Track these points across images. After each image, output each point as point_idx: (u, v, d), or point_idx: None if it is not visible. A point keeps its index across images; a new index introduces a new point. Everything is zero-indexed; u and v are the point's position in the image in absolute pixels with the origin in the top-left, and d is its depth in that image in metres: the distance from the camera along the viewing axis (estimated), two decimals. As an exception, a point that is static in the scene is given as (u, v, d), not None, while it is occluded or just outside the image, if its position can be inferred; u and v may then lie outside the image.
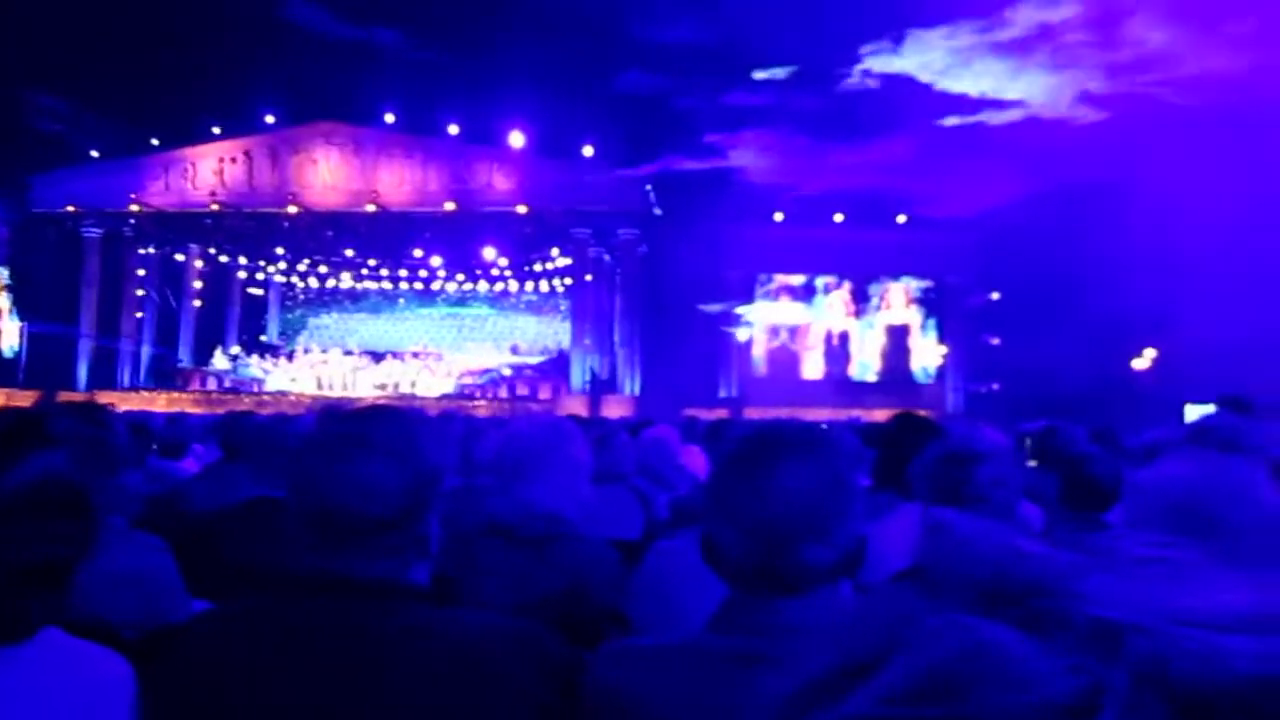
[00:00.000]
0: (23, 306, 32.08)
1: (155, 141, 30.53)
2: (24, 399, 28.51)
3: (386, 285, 34.77)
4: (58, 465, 1.55)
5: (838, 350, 32.25)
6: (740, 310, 30.85)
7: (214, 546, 3.15)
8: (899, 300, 32.20)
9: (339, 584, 1.63)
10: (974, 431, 4.55)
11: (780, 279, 32.30)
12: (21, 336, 32.34)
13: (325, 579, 1.64)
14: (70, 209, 30.47)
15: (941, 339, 31.73)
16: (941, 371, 31.59)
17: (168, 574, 2.64)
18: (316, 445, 1.69)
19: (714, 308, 29.33)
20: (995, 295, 29.70)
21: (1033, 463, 4.33)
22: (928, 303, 32.13)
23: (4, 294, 34.09)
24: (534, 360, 31.49)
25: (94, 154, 30.66)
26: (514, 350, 32.48)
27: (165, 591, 2.60)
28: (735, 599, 1.59)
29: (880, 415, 25.39)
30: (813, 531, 1.51)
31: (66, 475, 1.56)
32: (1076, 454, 3.61)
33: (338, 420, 1.72)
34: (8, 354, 33.57)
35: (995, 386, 29.30)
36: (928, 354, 32.02)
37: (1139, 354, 27.49)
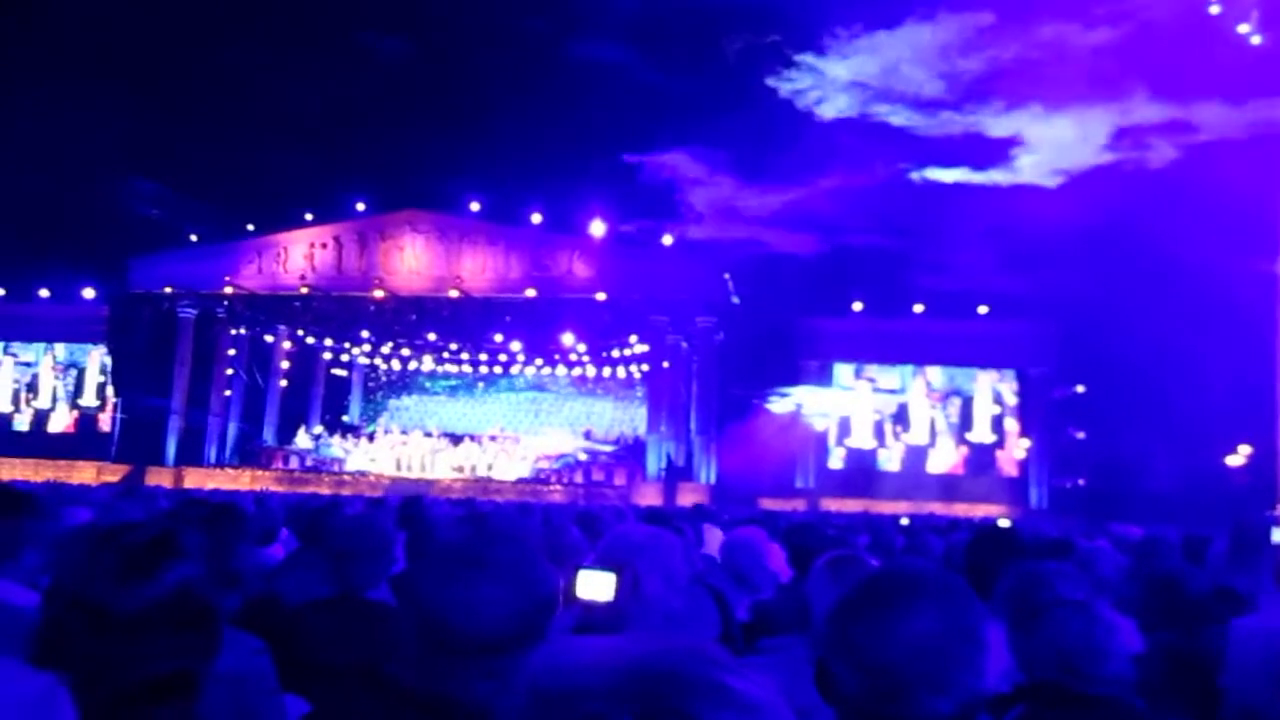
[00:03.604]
0: (119, 383, 33.17)
1: (250, 226, 31.72)
2: (114, 473, 29.35)
3: (467, 369, 35.30)
4: (190, 579, 1.63)
5: (916, 442, 31.77)
6: (814, 399, 30.61)
7: (305, 644, 3.22)
8: (981, 392, 31.70)
9: (437, 701, 1.66)
10: (1057, 548, 4.46)
11: (858, 368, 32.07)
12: (115, 412, 33.41)
13: (425, 695, 1.67)
14: (168, 290, 31.66)
15: (1024, 432, 31.06)
16: (1024, 465, 30.88)
17: (266, 676, 2.71)
18: (434, 561, 1.73)
19: (786, 405, 29.14)
20: (1080, 388, 29.13)
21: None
22: (1010, 395, 31.59)
23: (101, 372, 35.37)
24: (608, 448, 31.55)
25: (193, 238, 31.95)
26: (587, 435, 32.60)
27: (263, 693, 2.66)
28: None
29: (960, 509, 24.93)
30: (933, 681, 1.48)
31: (197, 590, 1.64)
32: (1169, 572, 3.54)
33: (457, 540, 1.75)
34: (103, 428, 34.68)
35: (1080, 482, 28.59)
36: (1010, 447, 31.37)
37: (1232, 450, 26.59)
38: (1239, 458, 26.38)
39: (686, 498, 24.87)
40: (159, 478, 28.39)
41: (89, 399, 35.91)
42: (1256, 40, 18.19)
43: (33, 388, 36.27)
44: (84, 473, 29.57)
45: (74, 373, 36.25)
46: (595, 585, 2.25)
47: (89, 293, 33.99)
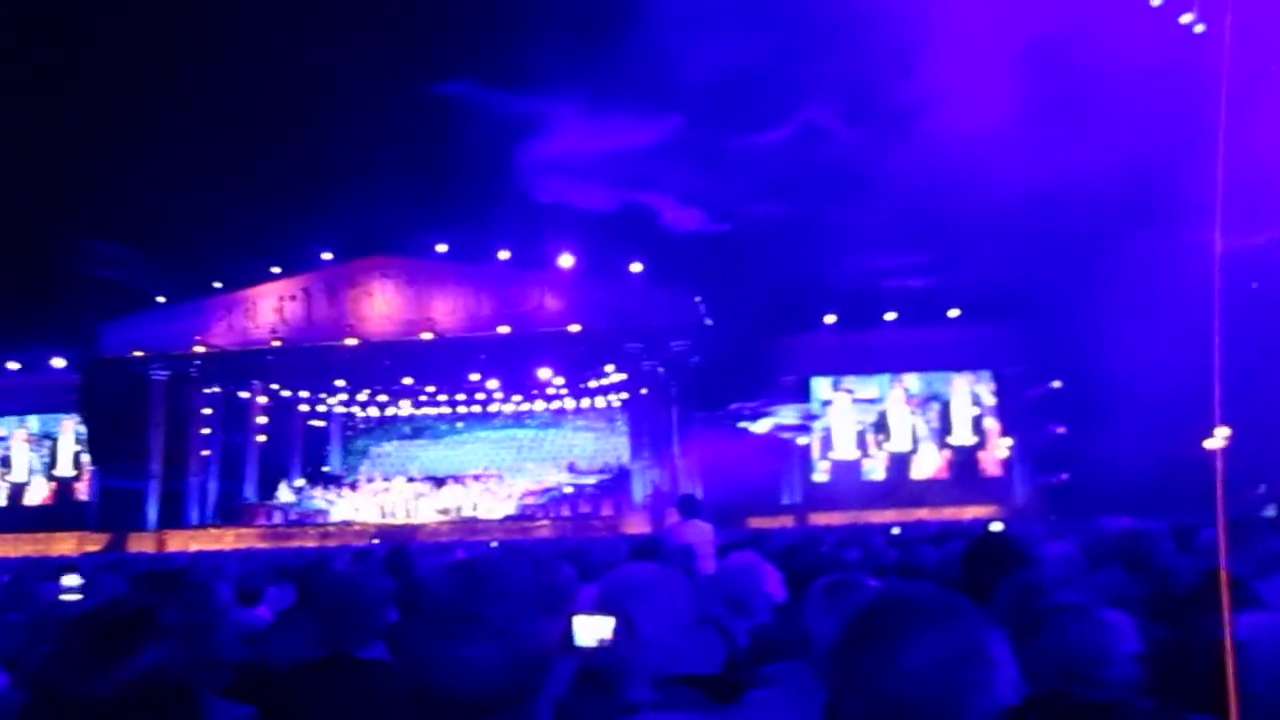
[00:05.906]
0: (94, 451, 32.82)
1: (217, 284, 31.52)
2: (96, 542, 28.98)
3: (445, 410, 35.18)
4: (168, 660, 1.59)
5: (899, 450, 31.85)
6: (795, 415, 30.63)
7: (298, 708, 3.16)
8: (959, 395, 31.85)
9: None
10: (1048, 554, 4.45)
11: (836, 381, 32.16)
12: (93, 480, 33.04)
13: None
14: (137, 353, 31.36)
15: (1005, 431, 31.21)
16: (1008, 465, 31.00)
17: (258, 745, 2.66)
18: (421, 619, 1.67)
19: (765, 423, 29.00)
20: (1057, 384, 29.26)
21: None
22: (988, 396, 31.75)
23: (76, 440, 34.99)
24: (593, 479, 31.48)
25: (160, 299, 31.67)
26: (571, 468, 32.51)
27: (257, 763, 2.61)
28: None
29: (948, 513, 24.97)
30: (945, 708, 1.42)
31: (176, 670, 1.59)
32: (1162, 567, 3.53)
33: (444, 596, 1.69)
34: (81, 497, 34.28)
35: (1065, 477, 28.64)
36: (992, 448, 31.51)
37: (1209, 434, 26.71)
38: (1218, 440, 26.50)
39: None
40: (141, 544, 28.05)
41: (64, 469, 35.51)
42: (1200, 29, 18.41)
43: (6, 462, 35.86)
44: (64, 544, 29.19)
45: (48, 444, 35.86)
46: (593, 630, 2.19)
47: (59, 361, 33.63)
